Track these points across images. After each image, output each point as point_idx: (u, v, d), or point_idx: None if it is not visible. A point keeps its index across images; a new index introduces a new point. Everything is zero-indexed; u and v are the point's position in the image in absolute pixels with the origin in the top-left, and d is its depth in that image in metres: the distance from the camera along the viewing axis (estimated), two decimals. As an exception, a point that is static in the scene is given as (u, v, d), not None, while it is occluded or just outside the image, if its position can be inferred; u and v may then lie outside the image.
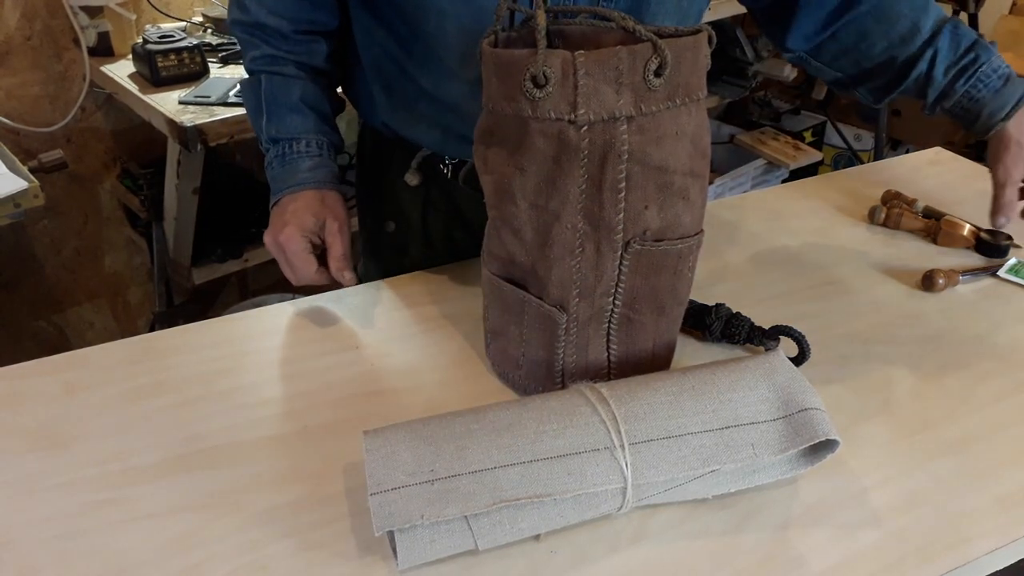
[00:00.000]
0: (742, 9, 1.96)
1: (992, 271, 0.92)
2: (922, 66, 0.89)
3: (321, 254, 0.83)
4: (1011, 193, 0.87)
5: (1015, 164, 0.87)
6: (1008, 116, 0.87)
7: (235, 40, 0.94)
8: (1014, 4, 3.06)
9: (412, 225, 0.95)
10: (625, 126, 0.60)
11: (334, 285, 0.85)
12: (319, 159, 0.85)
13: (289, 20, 0.83)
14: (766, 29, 0.97)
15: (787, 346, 0.76)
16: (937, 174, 1.14)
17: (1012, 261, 0.92)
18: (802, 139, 2.55)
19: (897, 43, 0.89)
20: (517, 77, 0.59)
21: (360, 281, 0.90)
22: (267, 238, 0.83)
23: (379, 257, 1.00)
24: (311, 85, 0.86)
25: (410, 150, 0.90)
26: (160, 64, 1.61)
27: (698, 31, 0.62)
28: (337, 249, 0.82)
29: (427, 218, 0.95)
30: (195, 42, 1.67)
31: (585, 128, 0.60)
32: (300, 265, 0.81)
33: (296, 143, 0.85)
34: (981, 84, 0.88)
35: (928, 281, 0.88)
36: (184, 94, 1.59)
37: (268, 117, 0.85)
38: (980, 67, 0.88)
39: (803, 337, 0.75)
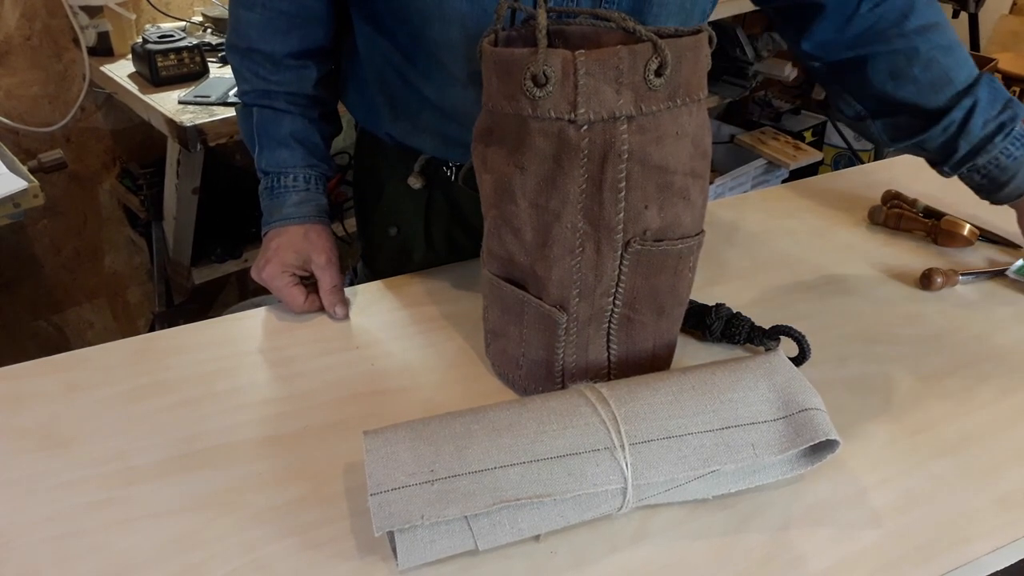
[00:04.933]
0: (742, 9, 1.98)
1: (992, 272, 0.92)
2: (956, 115, 0.85)
3: (315, 285, 0.85)
4: None
5: None
6: None
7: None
8: (1014, 4, 3.06)
9: (414, 228, 0.95)
10: (625, 126, 0.60)
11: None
12: (306, 193, 0.87)
13: (281, 43, 0.84)
14: (781, 30, 0.94)
15: (787, 346, 0.76)
16: (937, 174, 1.14)
17: (1020, 263, 0.92)
18: (802, 139, 2.55)
19: (927, 89, 0.86)
20: (517, 76, 0.59)
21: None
22: (253, 274, 0.86)
23: (380, 262, 1.00)
24: (300, 119, 0.87)
25: (412, 155, 0.90)
26: (160, 64, 1.61)
27: (698, 31, 0.62)
28: (326, 283, 0.84)
29: (429, 221, 0.95)
30: (195, 42, 1.67)
31: (585, 128, 0.60)
32: (287, 299, 0.84)
33: (284, 176, 0.86)
34: (1019, 142, 0.84)
35: (926, 280, 0.88)
36: (184, 94, 1.58)
37: (259, 149, 0.87)
38: (1015, 126, 0.84)
39: (803, 337, 0.75)
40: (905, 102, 0.88)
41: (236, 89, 0.90)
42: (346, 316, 0.84)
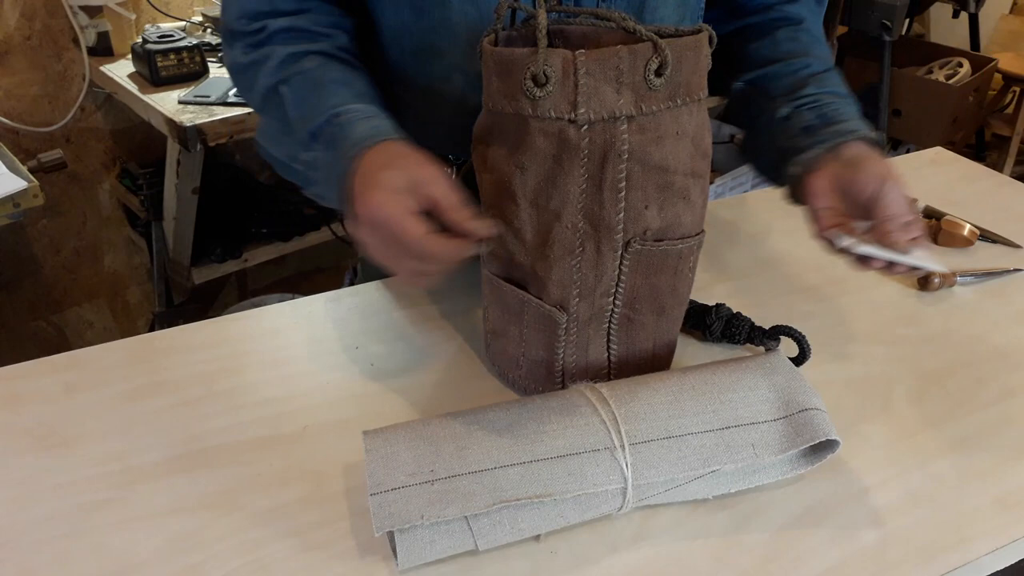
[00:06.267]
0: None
1: (992, 273, 0.92)
2: (814, 65, 0.79)
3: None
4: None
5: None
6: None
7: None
8: (1014, 4, 3.06)
9: None
10: (625, 126, 0.60)
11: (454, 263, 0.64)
12: (373, 118, 0.68)
13: (311, 14, 0.75)
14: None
15: (787, 346, 0.76)
16: (937, 174, 1.14)
17: None
18: (802, 139, 2.54)
19: (783, 56, 0.82)
20: (517, 76, 0.59)
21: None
22: (358, 209, 0.62)
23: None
24: (338, 66, 0.73)
25: None
26: (160, 64, 1.61)
27: (699, 31, 0.62)
28: (450, 198, 0.60)
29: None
30: (195, 42, 1.67)
31: (585, 127, 0.60)
32: (405, 231, 0.58)
33: (336, 117, 0.68)
34: (843, 96, 0.78)
35: (924, 280, 0.88)
36: (184, 94, 1.59)
37: (301, 114, 0.70)
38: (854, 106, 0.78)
39: (803, 337, 0.75)
40: (762, 59, 0.83)
41: (252, 93, 0.76)
42: (491, 229, 0.62)
